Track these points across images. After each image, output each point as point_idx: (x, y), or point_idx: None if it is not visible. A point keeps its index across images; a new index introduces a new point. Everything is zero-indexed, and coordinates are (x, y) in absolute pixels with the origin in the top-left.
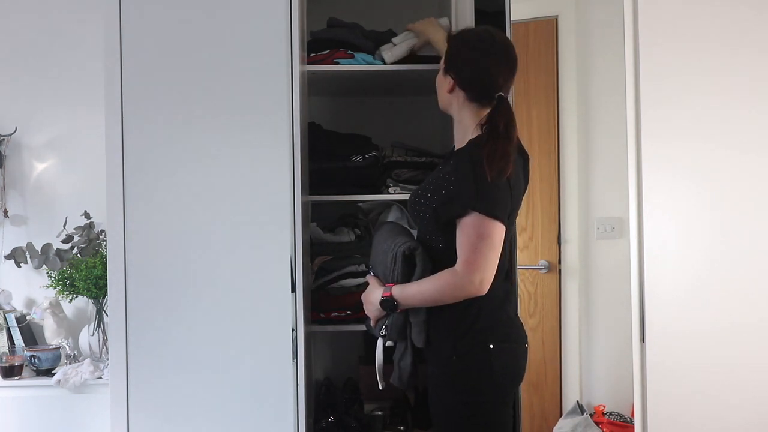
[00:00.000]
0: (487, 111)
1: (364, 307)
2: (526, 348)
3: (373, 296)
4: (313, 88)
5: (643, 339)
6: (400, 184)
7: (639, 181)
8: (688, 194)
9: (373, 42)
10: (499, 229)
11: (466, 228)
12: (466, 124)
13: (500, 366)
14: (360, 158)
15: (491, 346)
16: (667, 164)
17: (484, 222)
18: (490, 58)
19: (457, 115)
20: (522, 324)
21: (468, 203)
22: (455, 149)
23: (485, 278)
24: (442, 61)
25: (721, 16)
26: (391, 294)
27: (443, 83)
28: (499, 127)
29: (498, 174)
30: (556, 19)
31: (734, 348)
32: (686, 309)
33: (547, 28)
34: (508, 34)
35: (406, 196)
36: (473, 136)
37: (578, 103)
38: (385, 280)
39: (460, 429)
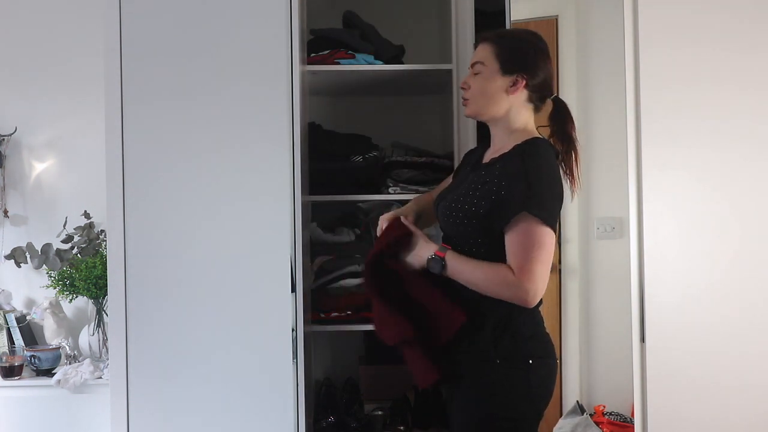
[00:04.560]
0: (535, 114)
1: (409, 254)
2: (557, 362)
3: (423, 250)
4: (313, 88)
5: (643, 339)
6: (400, 184)
7: (639, 181)
8: (688, 194)
9: (380, 50)
10: (551, 238)
11: (520, 234)
12: (513, 129)
13: (537, 382)
14: (360, 158)
15: (531, 362)
16: (667, 164)
17: (538, 228)
18: (547, 54)
19: (508, 120)
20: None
21: (523, 206)
22: (500, 155)
23: (538, 291)
24: (494, 62)
25: (722, 16)
26: (444, 256)
27: (501, 86)
28: (572, 133)
29: (562, 190)
30: (556, 19)
31: (734, 348)
32: (686, 309)
33: (547, 28)
34: None
35: (406, 196)
36: (520, 141)
37: (578, 103)
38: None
39: None
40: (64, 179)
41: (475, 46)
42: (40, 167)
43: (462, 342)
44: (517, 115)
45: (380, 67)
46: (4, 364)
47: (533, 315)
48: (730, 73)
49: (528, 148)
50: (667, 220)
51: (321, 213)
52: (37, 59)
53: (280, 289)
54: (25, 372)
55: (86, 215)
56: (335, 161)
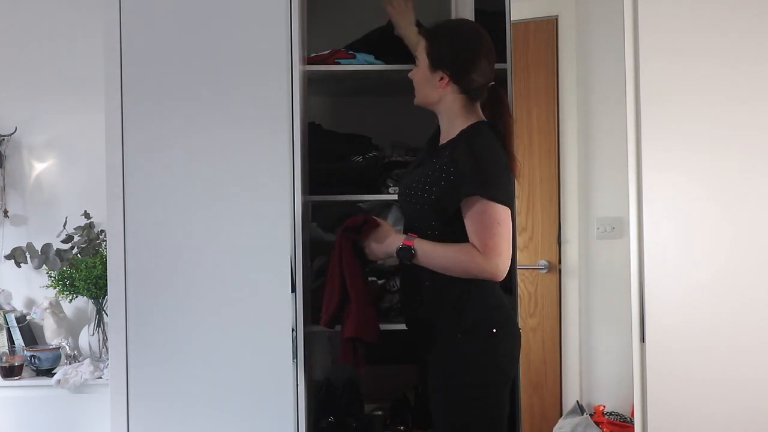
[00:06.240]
0: (477, 103)
1: (367, 244)
2: (520, 331)
3: (391, 241)
4: (313, 88)
5: (643, 339)
6: None
7: (639, 181)
8: (688, 194)
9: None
10: (507, 214)
11: (477, 215)
12: (454, 117)
13: (504, 349)
14: (360, 158)
15: (495, 331)
16: (667, 164)
17: (494, 207)
18: (480, 51)
19: (447, 109)
20: None
21: (474, 189)
22: (447, 141)
23: (506, 264)
24: (425, 57)
25: (723, 16)
26: (413, 244)
27: (431, 79)
28: (505, 119)
29: (507, 166)
30: (556, 19)
31: (734, 348)
32: (686, 309)
33: (547, 28)
34: (507, 34)
35: None
36: (464, 127)
37: (578, 103)
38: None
39: (464, 410)
40: (64, 179)
41: None
42: (40, 167)
43: (428, 319)
44: (453, 105)
45: (380, 67)
46: (4, 364)
47: (492, 287)
48: (733, 72)
49: (472, 131)
50: (667, 221)
51: (321, 213)
52: (37, 59)
53: (280, 289)
54: (25, 372)
55: (86, 215)
56: (335, 161)
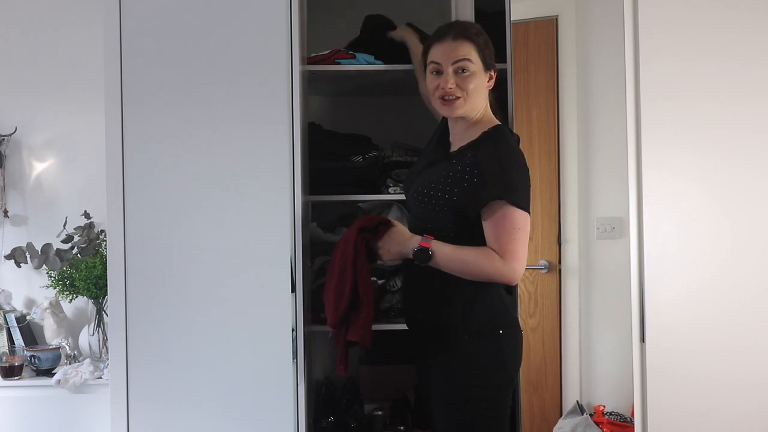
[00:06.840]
0: None
1: (381, 244)
2: (522, 332)
3: (407, 242)
4: (313, 88)
5: (643, 339)
6: (400, 184)
7: (639, 181)
8: (688, 194)
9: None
10: (527, 220)
11: (499, 218)
12: (479, 118)
13: (509, 351)
14: (360, 158)
15: (501, 332)
16: (667, 164)
17: (516, 213)
18: None
19: (484, 108)
20: None
21: (498, 193)
22: (468, 142)
23: (522, 269)
24: (477, 59)
25: (722, 16)
26: (430, 246)
27: (484, 82)
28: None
29: (528, 172)
30: (556, 19)
31: (734, 347)
32: (686, 309)
33: (547, 28)
34: (507, 34)
35: None
36: (486, 129)
37: (578, 103)
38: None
39: (468, 410)
40: (64, 179)
41: (435, 42)
42: (40, 167)
43: (434, 320)
44: (486, 105)
45: (380, 67)
46: (4, 364)
47: (498, 289)
48: (733, 72)
49: (496, 135)
50: (667, 221)
51: (321, 213)
52: (37, 59)
53: (280, 289)
54: (25, 372)
55: (86, 215)
56: (335, 161)
